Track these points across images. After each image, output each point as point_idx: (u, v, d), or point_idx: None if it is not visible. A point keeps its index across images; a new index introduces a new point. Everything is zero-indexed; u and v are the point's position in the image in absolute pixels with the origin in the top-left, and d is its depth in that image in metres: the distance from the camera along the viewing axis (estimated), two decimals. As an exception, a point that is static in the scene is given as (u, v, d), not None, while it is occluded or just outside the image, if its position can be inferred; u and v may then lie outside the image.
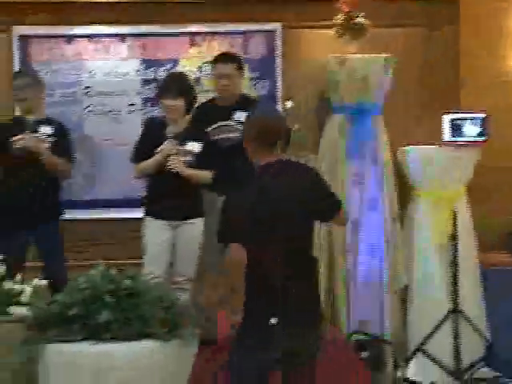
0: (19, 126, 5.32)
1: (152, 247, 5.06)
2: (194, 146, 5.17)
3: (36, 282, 4.17)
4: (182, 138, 5.13)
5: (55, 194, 5.47)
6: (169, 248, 5.09)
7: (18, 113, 5.59)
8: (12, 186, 5.21)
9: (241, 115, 5.13)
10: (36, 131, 5.36)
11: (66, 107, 6.33)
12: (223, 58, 5.69)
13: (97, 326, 3.49)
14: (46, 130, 5.41)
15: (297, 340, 3.18)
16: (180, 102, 5.13)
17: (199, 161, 5.13)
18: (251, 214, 3.26)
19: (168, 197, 5.03)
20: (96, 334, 3.49)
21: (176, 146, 5.06)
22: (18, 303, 3.94)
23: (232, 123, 5.37)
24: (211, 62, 5.84)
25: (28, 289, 4.09)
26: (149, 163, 5.11)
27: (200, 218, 5.16)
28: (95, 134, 6.27)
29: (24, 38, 6.28)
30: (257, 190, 3.30)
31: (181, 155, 5.08)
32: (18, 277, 4.21)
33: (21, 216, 5.18)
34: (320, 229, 5.58)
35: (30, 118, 5.38)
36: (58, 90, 6.32)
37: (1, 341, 3.76)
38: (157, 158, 5.07)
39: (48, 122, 5.49)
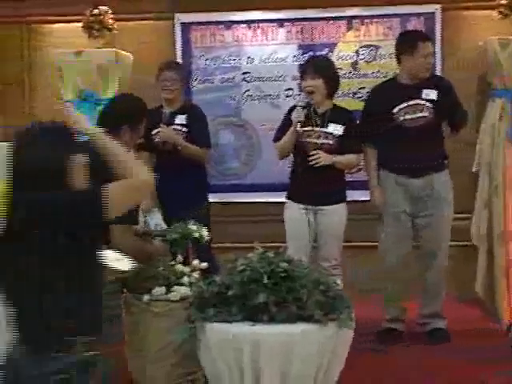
0: (158, 116, 5.47)
1: (293, 231, 5.09)
2: (337, 129, 5.11)
3: (196, 263, 4.28)
4: (322, 121, 5.08)
5: (204, 179, 5.65)
6: (310, 233, 5.09)
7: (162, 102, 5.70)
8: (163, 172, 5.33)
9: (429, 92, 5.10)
10: (172, 122, 5.50)
11: (225, 92, 6.48)
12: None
13: (254, 307, 3.54)
14: (181, 119, 5.54)
15: None
16: (318, 83, 5.08)
17: (342, 144, 5.08)
18: None
19: (311, 182, 5.01)
20: (253, 315, 3.55)
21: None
22: (180, 284, 4.06)
23: (421, 102, 5.16)
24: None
25: (187, 269, 4.21)
26: (284, 139, 5.10)
27: (343, 204, 5.12)
28: (253, 119, 6.36)
29: (186, 25, 6.47)
30: None
31: (321, 137, 5.04)
32: (179, 257, 4.34)
33: (178, 202, 5.31)
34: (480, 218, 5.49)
35: (169, 108, 5.52)
36: (218, 75, 6.47)
37: (165, 319, 3.90)
38: (290, 131, 5.05)
39: (183, 111, 5.62)
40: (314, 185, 5.00)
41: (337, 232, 5.10)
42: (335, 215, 5.08)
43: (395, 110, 5.11)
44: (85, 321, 2.74)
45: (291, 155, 5.24)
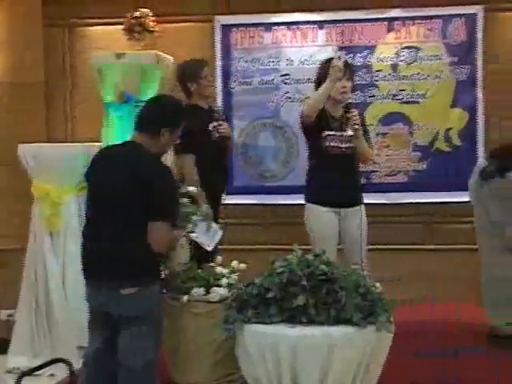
0: (211, 112, 5.43)
1: (322, 235, 5.01)
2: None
3: (234, 264, 4.29)
4: (340, 124, 5.02)
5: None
6: (337, 235, 5.03)
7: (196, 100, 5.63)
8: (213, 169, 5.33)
9: None
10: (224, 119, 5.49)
11: (264, 94, 6.48)
12: None
13: (293, 309, 3.54)
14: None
15: None
16: (350, 85, 5.01)
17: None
18: None
19: (336, 185, 4.96)
20: (292, 317, 3.55)
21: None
22: (219, 285, 4.08)
23: None
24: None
25: (225, 271, 4.22)
26: (319, 92, 4.84)
27: (363, 205, 5.05)
28: (292, 121, 6.35)
29: (226, 27, 6.48)
30: None
31: (344, 142, 4.98)
32: (219, 259, 4.36)
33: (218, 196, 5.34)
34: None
35: (205, 105, 5.47)
36: (257, 77, 6.48)
37: (204, 320, 3.92)
38: (327, 83, 4.78)
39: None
40: (339, 187, 4.95)
41: (363, 233, 5.05)
42: (360, 217, 5.04)
43: None
44: None
45: (311, 159, 5.13)
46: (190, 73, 5.35)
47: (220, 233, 4.53)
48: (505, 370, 4.47)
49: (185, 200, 4.28)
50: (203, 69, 5.39)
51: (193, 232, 4.22)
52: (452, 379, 4.32)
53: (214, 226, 4.50)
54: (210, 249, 4.41)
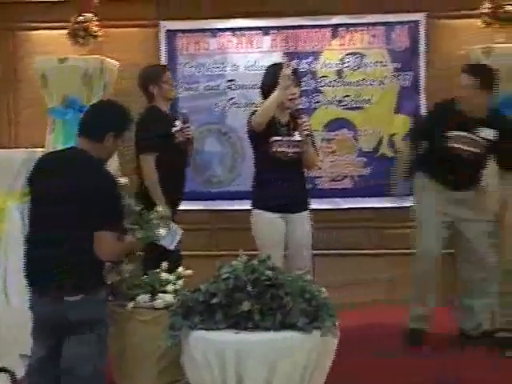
0: (173, 115, 5.43)
1: (268, 241, 5.01)
2: (301, 135, 4.97)
3: (180, 270, 4.28)
4: (288, 130, 5.04)
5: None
6: (283, 241, 5.04)
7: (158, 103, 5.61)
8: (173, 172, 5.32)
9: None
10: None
11: (210, 100, 6.48)
12: None
13: (239, 315, 3.54)
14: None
15: None
16: (298, 91, 5.04)
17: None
18: None
19: (283, 190, 4.97)
20: (238, 323, 3.55)
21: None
22: (165, 291, 4.06)
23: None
24: None
25: (171, 277, 4.21)
26: (270, 99, 4.81)
27: (308, 211, 5.09)
28: (237, 126, 6.36)
29: (171, 33, 6.47)
30: None
31: (291, 146, 4.99)
32: (164, 265, 4.34)
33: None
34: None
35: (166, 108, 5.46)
36: (203, 82, 6.48)
37: (149, 327, 3.90)
38: (277, 92, 4.77)
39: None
40: (286, 192, 4.97)
41: (309, 239, 5.08)
42: (306, 222, 5.06)
43: None
44: None
45: (258, 165, 5.10)
46: (151, 76, 5.38)
47: (180, 232, 4.51)
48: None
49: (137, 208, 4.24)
50: (165, 73, 5.43)
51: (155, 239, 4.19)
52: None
53: (173, 225, 4.48)
54: (172, 248, 4.38)
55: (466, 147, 5.01)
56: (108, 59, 6.09)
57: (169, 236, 4.31)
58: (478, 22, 5.97)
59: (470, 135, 4.99)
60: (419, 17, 6.32)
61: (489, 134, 4.97)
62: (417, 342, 5.13)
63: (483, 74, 5.01)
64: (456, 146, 5.00)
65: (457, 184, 5.13)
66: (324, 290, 3.83)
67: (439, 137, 5.04)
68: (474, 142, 5.00)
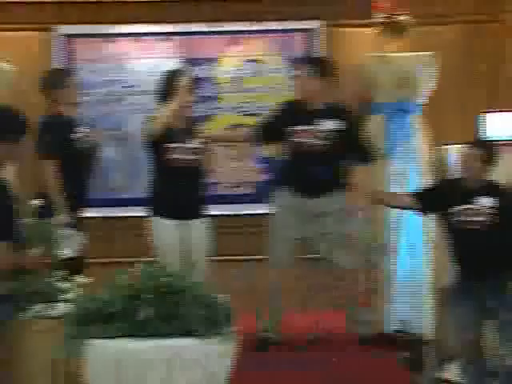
0: (74, 121, 5.35)
1: (164, 248, 5.00)
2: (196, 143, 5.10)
3: (76, 278, 4.22)
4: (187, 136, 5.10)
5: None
6: (178, 247, 5.04)
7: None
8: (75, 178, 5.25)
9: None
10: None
11: (109, 105, 6.42)
12: None
13: (137, 322, 3.51)
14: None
15: None
16: (193, 98, 5.10)
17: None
18: None
19: (180, 195, 4.98)
20: (136, 330, 3.52)
21: None
22: (60, 300, 3.99)
23: None
24: None
25: (67, 286, 4.14)
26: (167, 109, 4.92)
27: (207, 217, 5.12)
28: (136, 132, 6.30)
29: (68, 37, 6.37)
30: None
31: (185, 154, 5.03)
32: (62, 273, 4.26)
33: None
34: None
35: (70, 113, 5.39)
36: (102, 88, 6.41)
37: (45, 337, 3.82)
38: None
39: None
40: (181, 199, 4.97)
41: (207, 245, 5.09)
42: (203, 228, 5.08)
43: None
44: None
45: (155, 171, 5.09)
46: (53, 81, 5.29)
47: (78, 238, 4.44)
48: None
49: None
50: (68, 77, 5.34)
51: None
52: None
53: (70, 231, 4.40)
54: (70, 254, 4.31)
55: (307, 140, 5.03)
56: (3, 64, 5.96)
57: (66, 243, 4.25)
58: (373, 32, 6.10)
59: (310, 128, 5.02)
60: (315, 25, 6.42)
61: (331, 125, 5.03)
62: (264, 349, 5.15)
63: (315, 63, 5.12)
64: (301, 140, 5.03)
65: (310, 187, 5.11)
66: (224, 295, 3.84)
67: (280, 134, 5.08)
68: (315, 134, 5.03)
